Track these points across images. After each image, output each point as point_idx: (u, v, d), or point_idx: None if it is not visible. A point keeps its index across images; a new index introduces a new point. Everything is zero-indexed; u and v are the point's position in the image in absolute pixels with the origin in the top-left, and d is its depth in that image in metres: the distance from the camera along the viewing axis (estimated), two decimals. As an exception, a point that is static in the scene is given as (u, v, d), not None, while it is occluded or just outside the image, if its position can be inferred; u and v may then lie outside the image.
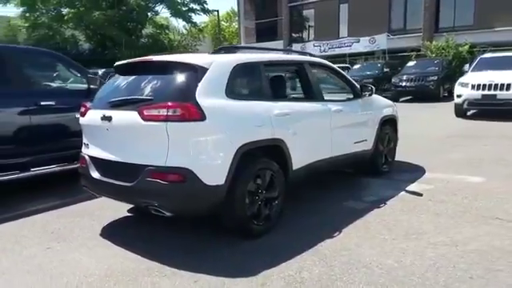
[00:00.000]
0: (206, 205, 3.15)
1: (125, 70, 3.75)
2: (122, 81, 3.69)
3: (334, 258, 2.99)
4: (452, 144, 7.26)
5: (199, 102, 3.02)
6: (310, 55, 4.92)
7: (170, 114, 2.95)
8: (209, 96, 3.12)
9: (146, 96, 3.25)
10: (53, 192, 4.85)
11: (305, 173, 3.98)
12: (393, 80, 15.57)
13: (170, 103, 2.97)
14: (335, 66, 5.07)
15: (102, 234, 3.63)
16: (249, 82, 3.72)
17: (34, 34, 26.74)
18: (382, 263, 2.88)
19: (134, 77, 3.58)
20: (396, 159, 5.69)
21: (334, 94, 5.02)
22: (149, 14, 29.21)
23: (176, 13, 28.99)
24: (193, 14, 29.25)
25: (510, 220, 3.62)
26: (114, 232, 3.70)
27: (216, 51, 3.81)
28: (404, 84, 15.26)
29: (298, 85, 4.64)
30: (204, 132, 3.04)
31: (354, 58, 22.59)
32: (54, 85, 5.70)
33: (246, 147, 3.24)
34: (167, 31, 30.05)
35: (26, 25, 26.70)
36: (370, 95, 4.96)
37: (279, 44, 25.09)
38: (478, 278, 2.64)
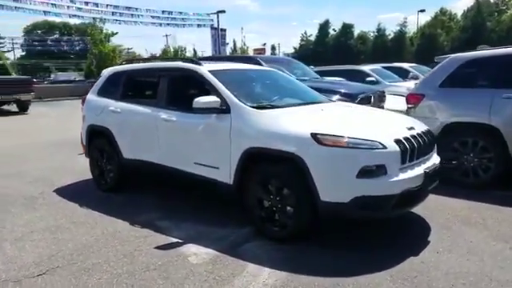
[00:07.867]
0: None
1: None
2: None
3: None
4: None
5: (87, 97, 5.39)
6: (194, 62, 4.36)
7: None
8: (93, 94, 5.32)
9: None
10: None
11: (140, 166, 4.61)
12: None
13: None
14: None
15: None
16: (111, 86, 5.16)
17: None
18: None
19: None
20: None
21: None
22: None
23: None
24: None
25: None
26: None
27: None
28: None
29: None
30: None
31: None
32: None
33: (93, 127, 5.19)
34: None
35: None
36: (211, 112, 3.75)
37: None
38: None
